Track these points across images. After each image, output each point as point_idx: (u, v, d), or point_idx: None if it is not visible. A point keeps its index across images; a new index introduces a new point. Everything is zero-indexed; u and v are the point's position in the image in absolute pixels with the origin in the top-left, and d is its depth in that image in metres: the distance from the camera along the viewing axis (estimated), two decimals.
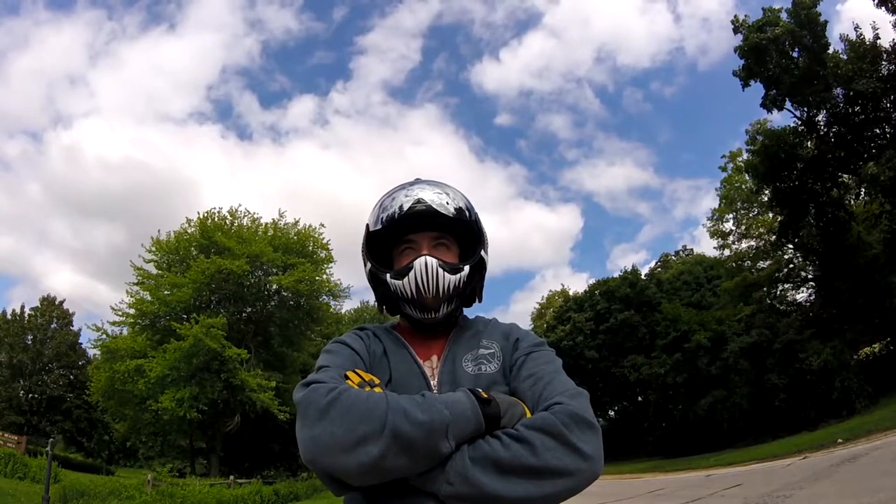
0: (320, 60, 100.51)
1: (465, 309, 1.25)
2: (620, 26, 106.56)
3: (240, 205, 31.85)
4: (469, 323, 1.23)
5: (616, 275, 40.00)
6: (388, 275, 1.14)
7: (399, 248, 1.17)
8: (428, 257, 1.11)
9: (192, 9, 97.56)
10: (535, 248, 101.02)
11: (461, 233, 1.19)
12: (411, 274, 1.11)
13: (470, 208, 1.20)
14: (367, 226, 1.20)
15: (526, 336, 1.18)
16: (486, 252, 1.21)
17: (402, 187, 1.19)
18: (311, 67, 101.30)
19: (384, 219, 1.16)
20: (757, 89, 23.55)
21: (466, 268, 1.15)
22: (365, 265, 1.21)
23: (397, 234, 1.16)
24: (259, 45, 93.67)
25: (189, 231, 30.41)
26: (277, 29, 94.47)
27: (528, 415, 0.97)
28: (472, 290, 1.19)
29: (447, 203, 1.15)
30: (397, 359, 1.12)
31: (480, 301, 1.25)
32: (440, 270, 1.11)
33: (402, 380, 1.08)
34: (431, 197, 1.15)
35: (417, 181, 1.20)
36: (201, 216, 30.39)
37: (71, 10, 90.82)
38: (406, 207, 1.14)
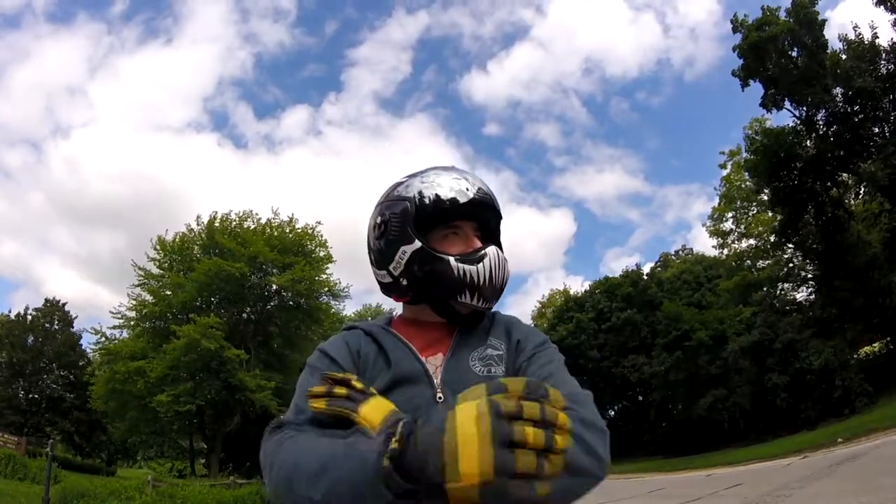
0: (312, 73, 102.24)
1: None
2: (608, 38, 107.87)
3: (250, 209, 31.83)
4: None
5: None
6: (451, 258, 1.07)
7: (439, 232, 1.12)
8: (496, 248, 1.12)
9: (188, 23, 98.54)
10: (529, 252, 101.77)
11: (486, 229, 1.18)
12: (486, 262, 1.08)
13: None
14: (413, 201, 1.11)
15: (527, 335, 1.13)
16: None
17: (447, 170, 1.15)
18: (304, 79, 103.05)
19: (439, 198, 1.09)
20: (749, 94, 23.81)
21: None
22: (401, 244, 1.10)
23: (441, 217, 1.10)
24: (253, 57, 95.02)
25: (195, 230, 30.55)
26: (270, 42, 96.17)
27: (463, 455, 0.70)
28: None
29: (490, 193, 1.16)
30: (398, 356, 1.06)
31: None
32: (504, 261, 1.12)
33: (403, 379, 1.03)
34: (485, 188, 1.14)
35: (455, 168, 1.17)
36: (210, 217, 30.54)
37: (71, 24, 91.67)
38: (472, 194, 1.11)
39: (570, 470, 0.83)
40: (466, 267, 1.07)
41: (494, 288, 1.09)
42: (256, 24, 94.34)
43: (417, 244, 1.09)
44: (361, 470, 0.75)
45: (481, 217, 1.15)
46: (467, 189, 1.11)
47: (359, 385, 0.94)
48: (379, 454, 0.74)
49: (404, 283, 1.13)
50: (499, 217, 1.18)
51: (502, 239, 1.22)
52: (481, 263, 1.07)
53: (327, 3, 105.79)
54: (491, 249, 1.10)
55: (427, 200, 1.10)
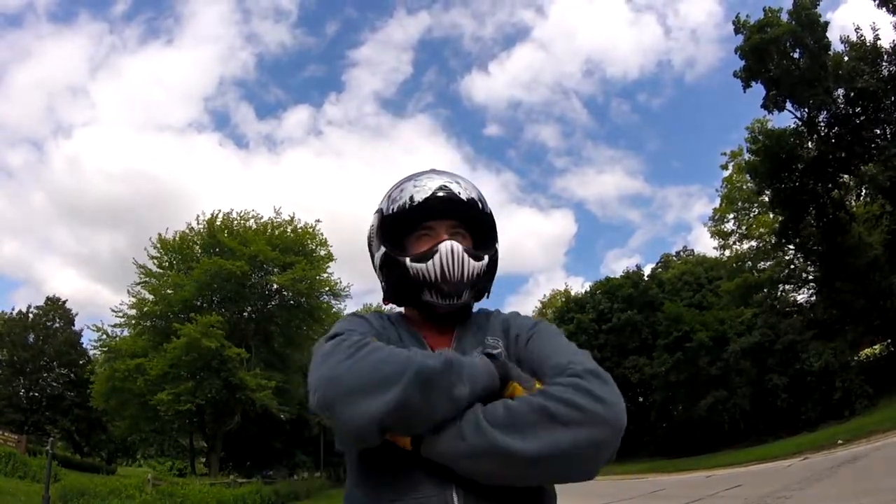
0: (313, 73, 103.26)
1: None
2: (609, 39, 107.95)
3: (253, 209, 31.88)
4: (473, 316, 1.21)
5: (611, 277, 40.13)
6: (407, 259, 1.11)
7: (414, 234, 1.15)
8: (453, 242, 1.10)
9: (189, 23, 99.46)
10: (529, 252, 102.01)
11: (475, 224, 1.17)
12: (436, 257, 1.08)
13: (484, 201, 1.18)
14: (381, 210, 1.17)
15: (522, 326, 1.15)
16: (498, 246, 1.20)
17: (419, 175, 1.17)
18: (305, 80, 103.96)
19: (402, 204, 1.13)
20: (748, 96, 23.78)
21: (486, 257, 1.14)
22: (376, 251, 1.18)
23: (413, 220, 1.14)
24: (254, 58, 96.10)
25: (196, 228, 30.56)
26: (272, 43, 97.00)
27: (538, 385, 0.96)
28: (489, 282, 1.18)
29: (465, 193, 1.14)
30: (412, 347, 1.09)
31: (488, 296, 1.23)
32: (465, 255, 1.09)
33: None
34: (452, 185, 1.14)
35: (433, 171, 1.19)
36: (211, 215, 30.53)
37: (73, 24, 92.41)
38: (429, 193, 1.12)
39: (574, 421, 0.85)
40: (418, 265, 1.09)
41: (450, 282, 1.09)
42: (258, 24, 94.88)
43: (382, 249, 1.15)
44: (483, 363, 0.93)
45: (457, 215, 1.15)
46: (424, 190, 1.12)
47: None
48: (482, 357, 0.96)
49: (384, 286, 1.19)
50: (476, 212, 1.16)
51: (502, 237, 1.22)
52: (430, 261, 1.09)
53: (328, 3, 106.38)
54: (443, 245, 1.09)
55: (395, 208, 1.14)
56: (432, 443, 0.88)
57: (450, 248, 1.09)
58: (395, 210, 1.14)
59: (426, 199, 1.11)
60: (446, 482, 0.89)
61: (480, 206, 1.16)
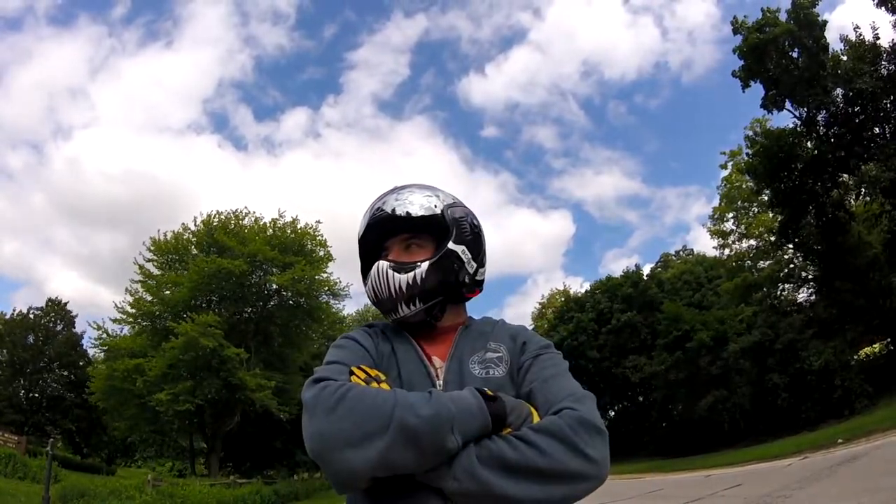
0: (311, 76, 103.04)
1: (472, 308, 1.26)
2: (606, 41, 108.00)
3: (245, 207, 32.03)
4: (475, 323, 1.22)
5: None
6: (364, 283, 1.20)
7: (381, 255, 1.20)
8: (381, 261, 1.15)
9: (188, 26, 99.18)
10: (528, 253, 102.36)
11: (437, 230, 1.17)
12: (368, 279, 1.16)
13: (439, 204, 1.18)
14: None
15: (533, 339, 1.16)
16: (464, 243, 1.17)
17: (384, 195, 1.22)
18: (303, 82, 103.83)
19: (359, 233, 1.21)
20: (746, 96, 23.79)
21: (424, 264, 1.13)
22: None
23: (379, 243, 1.20)
24: (252, 60, 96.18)
25: (192, 228, 30.61)
26: (270, 45, 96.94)
27: (535, 417, 0.98)
28: (450, 284, 1.15)
29: (408, 205, 1.16)
30: (405, 357, 1.11)
31: (477, 292, 1.23)
32: (389, 272, 1.13)
33: (409, 379, 1.07)
34: (391, 202, 1.17)
35: (395, 188, 1.22)
36: (207, 216, 30.60)
37: (72, 26, 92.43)
38: (368, 219, 1.18)
39: (561, 476, 0.89)
40: (366, 288, 1.18)
41: (381, 300, 1.15)
42: (256, 27, 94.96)
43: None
44: (470, 397, 0.93)
45: (408, 228, 1.17)
46: (373, 213, 1.18)
47: (373, 372, 1.03)
48: (480, 389, 0.95)
49: None
50: (421, 222, 1.16)
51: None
52: (367, 283, 1.17)
53: (326, 6, 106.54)
54: (374, 266, 1.15)
55: (359, 237, 1.21)
56: (424, 477, 0.90)
57: (376, 269, 1.15)
58: (359, 238, 1.21)
59: (368, 224, 1.18)
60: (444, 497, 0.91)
61: (433, 211, 1.16)
